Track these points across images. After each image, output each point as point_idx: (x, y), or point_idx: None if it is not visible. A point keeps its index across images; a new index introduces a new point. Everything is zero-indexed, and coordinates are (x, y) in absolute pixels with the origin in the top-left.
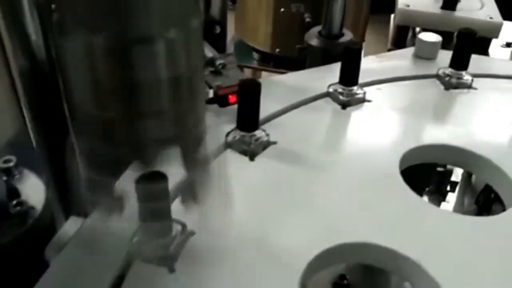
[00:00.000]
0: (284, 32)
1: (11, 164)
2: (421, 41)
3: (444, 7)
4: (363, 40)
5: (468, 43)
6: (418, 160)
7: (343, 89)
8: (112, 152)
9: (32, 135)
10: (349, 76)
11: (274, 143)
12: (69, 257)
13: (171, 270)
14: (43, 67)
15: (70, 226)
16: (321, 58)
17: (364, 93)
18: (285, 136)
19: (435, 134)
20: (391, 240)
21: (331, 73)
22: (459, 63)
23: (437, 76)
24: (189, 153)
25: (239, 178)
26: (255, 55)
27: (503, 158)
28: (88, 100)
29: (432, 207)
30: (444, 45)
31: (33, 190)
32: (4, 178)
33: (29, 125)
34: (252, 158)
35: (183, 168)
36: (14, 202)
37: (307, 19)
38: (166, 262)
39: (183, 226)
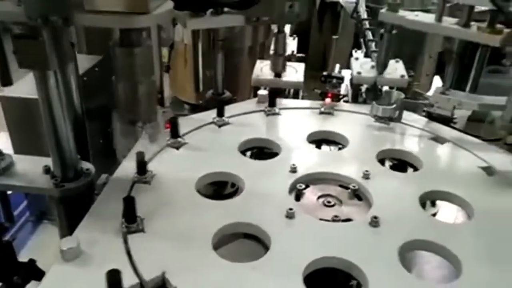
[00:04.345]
0: (206, 89)
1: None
2: (260, 95)
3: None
4: None
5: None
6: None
7: (218, 120)
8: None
9: None
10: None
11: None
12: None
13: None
14: None
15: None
16: (214, 106)
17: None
18: (194, 137)
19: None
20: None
21: (214, 113)
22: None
23: (263, 111)
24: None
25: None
26: (186, 106)
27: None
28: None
29: None
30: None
31: (88, 165)
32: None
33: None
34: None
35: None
36: (85, 168)
37: None
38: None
39: None
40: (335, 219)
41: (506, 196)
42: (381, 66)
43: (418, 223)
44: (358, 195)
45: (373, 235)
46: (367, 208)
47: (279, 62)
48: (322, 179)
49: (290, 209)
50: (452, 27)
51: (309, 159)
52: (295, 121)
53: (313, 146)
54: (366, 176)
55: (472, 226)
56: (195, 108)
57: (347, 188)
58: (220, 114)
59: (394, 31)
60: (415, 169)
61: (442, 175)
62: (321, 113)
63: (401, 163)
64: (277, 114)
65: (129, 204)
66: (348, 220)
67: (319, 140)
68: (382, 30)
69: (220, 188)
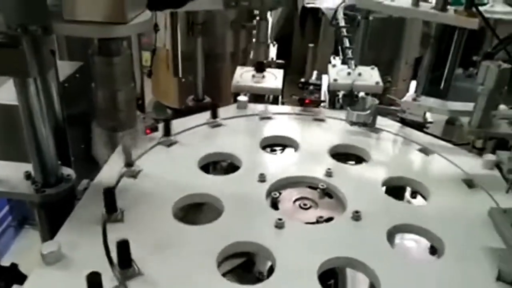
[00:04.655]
0: (188, 94)
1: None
2: (239, 101)
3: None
4: None
5: None
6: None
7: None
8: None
9: None
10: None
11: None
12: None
13: None
14: None
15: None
16: (195, 111)
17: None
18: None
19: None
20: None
21: (196, 119)
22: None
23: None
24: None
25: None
26: (168, 110)
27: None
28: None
29: None
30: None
31: (69, 171)
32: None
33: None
34: None
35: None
36: (66, 174)
37: None
38: None
39: None
40: (320, 220)
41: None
42: (358, 56)
43: (392, 210)
44: (327, 193)
45: (361, 229)
46: (340, 203)
47: (261, 50)
48: (291, 184)
49: (280, 219)
50: (430, 11)
51: (271, 166)
52: (242, 129)
53: (267, 152)
54: (329, 174)
55: (432, 206)
56: (178, 113)
57: (315, 188)
58: (167, 133)
59: (370, 18)
60: (364, 161)
61: (394, 164)
62: (262, 118)
63: (349, 157)
64: (221, 125)
65: (123, 247)
66: (330, 218)
67: (271, 145)
68: (359, 17)
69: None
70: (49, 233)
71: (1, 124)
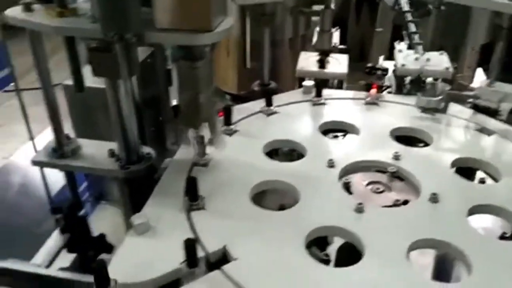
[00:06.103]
0: (247, 80)
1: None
2: (305, 86)
3: None
4: None
5: None
6: None
7: (268, 109)
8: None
9: None
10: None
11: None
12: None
13: None
14: None
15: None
16: (260, 95)
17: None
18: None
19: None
20: None
21: (263, 103)
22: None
23: (310, 101)
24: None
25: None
26: (227, 96)
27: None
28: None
29: None
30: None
31: (149, 150)
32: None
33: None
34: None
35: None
36: (146, 152)
37: None
38: None
39: None
40: (397, 203)
41: None
42: (429, 45)
43: (467, 190)
44: (397, 176)
45: (441, 211)
46: (413, 186)
47: (325, 38)
48: (361, 168)
49: (360, 203)
50: (503, 1)
51: (337, 152)
52: (298, 116)
53: (328, 137)
54: (396, 157)
55: (505, 186)
56: (237, 98)
57: (384, 172)
58: (228, 122)
59: (442, 8)
60: (426, 144)
61: (461, 147)
62: (314, 104)
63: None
64: (276, 112)
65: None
66: (406, 201)
67: (329, 130)
68: (430, 6)
69: None
70: (131, 207)
71: (80, 105)
